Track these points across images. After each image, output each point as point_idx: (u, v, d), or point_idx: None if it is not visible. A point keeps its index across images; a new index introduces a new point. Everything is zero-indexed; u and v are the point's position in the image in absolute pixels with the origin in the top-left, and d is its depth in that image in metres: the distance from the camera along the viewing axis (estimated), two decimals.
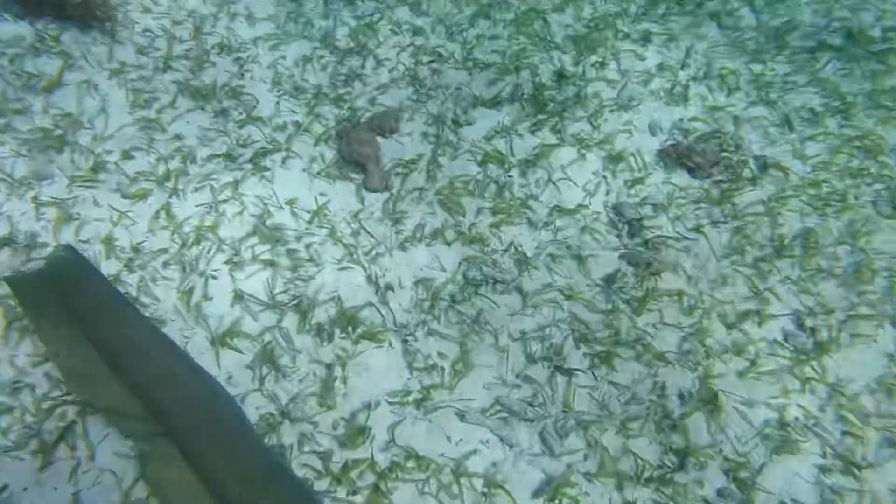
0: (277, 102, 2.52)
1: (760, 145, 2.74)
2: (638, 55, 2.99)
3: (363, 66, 2.71)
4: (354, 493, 1.72)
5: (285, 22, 2.82)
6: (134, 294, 1.94)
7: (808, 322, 2.26)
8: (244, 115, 2.44)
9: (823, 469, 2.00)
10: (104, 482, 1.63)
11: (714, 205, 2.49)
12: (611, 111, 2.71)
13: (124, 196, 2.16)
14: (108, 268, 1.98)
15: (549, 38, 3.00)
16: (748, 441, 2.01)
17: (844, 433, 2.09)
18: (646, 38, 3.06)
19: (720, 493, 1.89)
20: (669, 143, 2.66)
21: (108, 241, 2.03)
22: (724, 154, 2.64)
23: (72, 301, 1.80)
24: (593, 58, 2.93)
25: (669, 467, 1.91)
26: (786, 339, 2.23)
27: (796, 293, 2.33)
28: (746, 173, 2.60)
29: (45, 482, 1.61)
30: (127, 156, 2.25)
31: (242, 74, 2.57)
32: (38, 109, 2.28)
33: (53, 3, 2.40)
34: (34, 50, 2.41)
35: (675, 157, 2.57)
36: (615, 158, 2.56)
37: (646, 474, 1.88)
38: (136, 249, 2.04)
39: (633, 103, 2.77)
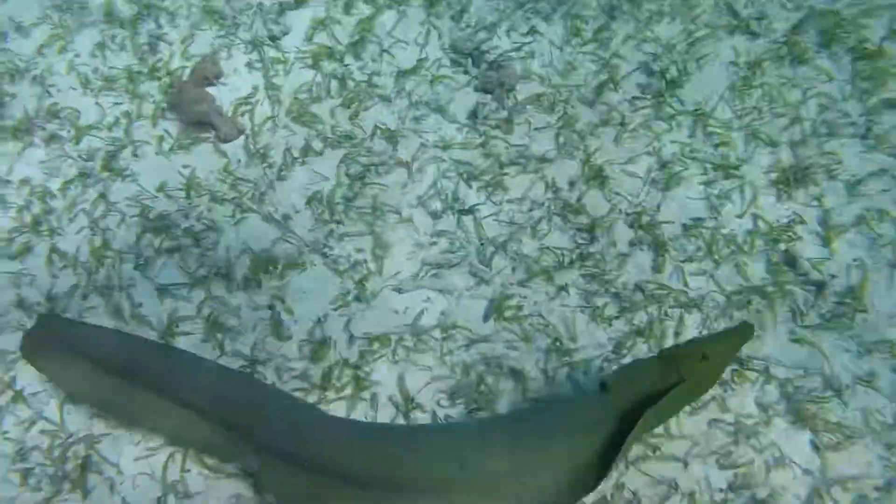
0: (97, 102, 2.37)
1: None
2: None
3: (159, 26, 2.51)
4: (341, 390, 1.95)
5: (60, 18, 2.55)
6: None
7: (656, 66, 2.37)
8: (74, 131, 2.32)
9: (708, 183, 2.23)
10: (141, 484, 1.83)
11: (538, 0, 2.47)
12: None
13: (10, 258, 2.13)
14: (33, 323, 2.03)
15: None
16: (640, 192, 2.22)
17: (716, 146, 2.30)
18: None
19: (632, 242, 2.13)
20: None
21: (21, 303, 2.06)
22: None
23: (74, 344, 1.86)
24: None
25: (584, 243, 2.13)
26: (643, 92, 2.36)
27: (638, 46, 2.41)
28: None
29: None
30: None
31: (48, 91, 2.39)
32: None
33: None
34: None
35: None
36: (433, 0, 2.48)
37: (567, 259, 2.10)
38: (50, 298, 2.07)
39: None
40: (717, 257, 2.10)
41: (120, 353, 1.81)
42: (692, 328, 2.01)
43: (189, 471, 1.84)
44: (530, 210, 2.18)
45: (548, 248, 2.12)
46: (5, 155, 2.29)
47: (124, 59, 2.47)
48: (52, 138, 2.32)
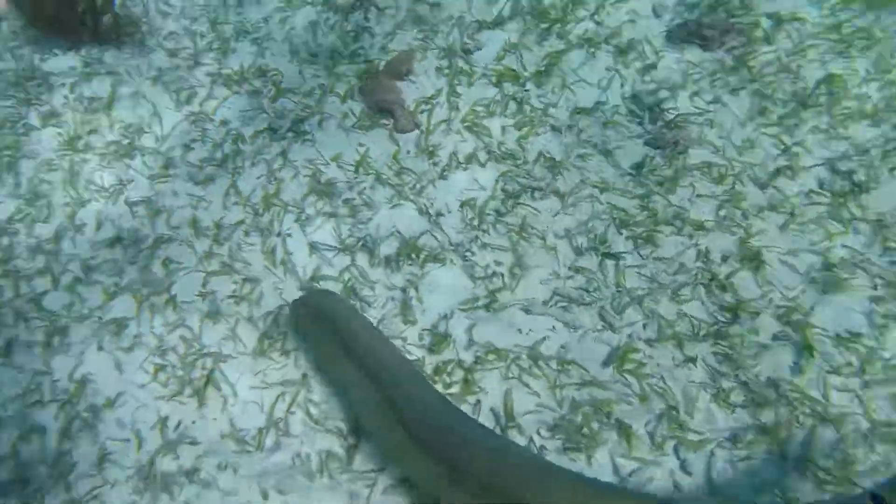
0: (300, 71, 2.72)
1: (771, 1, 2.71)
2: None
3: (367, 19, 2.85)
4: (449, 386, 2.03)
5: None
6: (228, 262, 2.28)
7: (843, 166, 2.33)
8: (274, 91, 2.67)
9: (876, 299, 2.13)
10: (249, 410, 2.01)
11: (730, 73, 2.54)
12: (612, 4, 2.75)
13: (196, 183, 2.46)
14: (201, 245, 2.32)
15: None
16: (796, 287, 2.17)
17: (894, 263, 2.20)
18: None
19: (776, 336, 2.08)
20: (676, 22, 2.69)
21: (194, 223, 2.36)
22: (734, 20, 2.65)
23: (332, 323, 1.97)
24: None
25: (724, 322, 2.10)
26: (821, 187, 2.33)
27: (826, 141, 2.39)
28: (759, 34, 2.61)
29: (206, 416, 2.01)
30: (188, 148, 2.54)
31: (263, 53, 2.78)
32: (106, 126, 2.61)
33: (90, 31, 2.67)
34: (86, 75, 2.71)
35: (684, 34, 2.61)
36: (624, 50, 2.62)
37: (702, 332, 2.08)
38: (218, 226, 2.36)
39: None
40: (869, 380, 1.99)
41: (371, 353, 1.87)
42: (825, 444, 1.91)
43: (294, 413, 2.01)
44: (675, 273, 2.20)
45: (685, 315, 2.12)
46: (214, 98, 2.68)
47: (331, 39, 2.82)
48: (254, 92, 2.68)
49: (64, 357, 2.16)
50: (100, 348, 2.17)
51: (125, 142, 2.58)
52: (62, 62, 2.81)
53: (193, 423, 2.03)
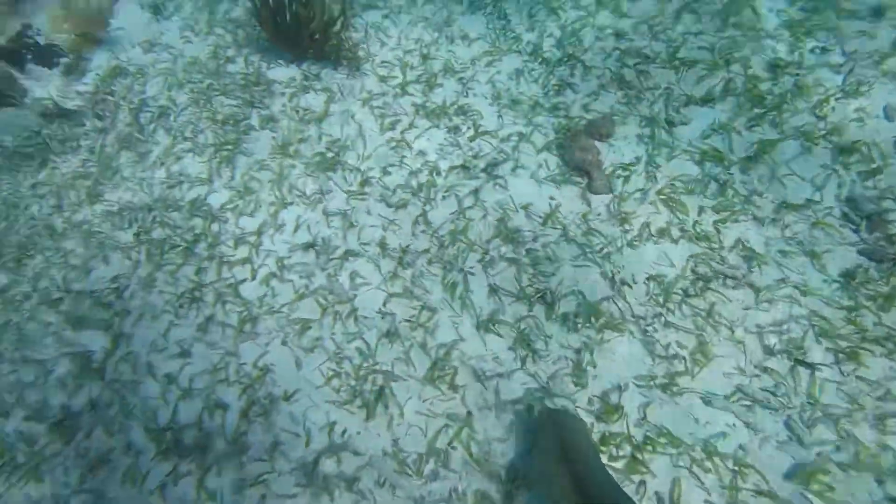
0: (500, 116, 3.02)
1: None
2: (868, 34, 3.00)
3: (572, 75, 3.11)
4: (614, 459, 2.13)
5: (496, 39, 3.32)
6: (409, 287, 2.54)
7: None
8: (473, 131, 2.97)
9: None
10: (413, 434, 2.23)
11: None
12: (837, 99, 2.81)
13: (389, 205, 2.79)
14: (386, 266, 2.61)
15: (759, 27, 3.14)
16: None
17: None
18: (877, 13, 3.06)
19: None
20: None
21: (383, 244, 2.67)
22: None
23: (566, 445, 2.09)
24: (811, 43, 3.02)
25: None
26: None
27: None
28: None
29: (370, 429, 2.26)
30: (385, 172, 2.89)
31: (466, 93, 3.12)
32: (314, 137, 3.02)
33: (315, 48, 3.14)
34: (304, 88, 3.18)
35: None
36: (846, 150, 2.66)
37: None
38: (405, 251, 2.65)
39: (862, 88, 2.83)
40: None
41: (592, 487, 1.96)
42: None
43: (455, 448, 2.19)
44: (881, 399, 2.18)
45: (890, 448, 2.09)
46: (415, 128, 3.04)
47: (534, 89, 3.11)
48: (454, 128, 3.01)
49: (251, 344, 2.50)
50: (283, 343, 2.50)
51: (330, 155, 2.98)
52: (285, 73, 3.31)
53: (359, 433, 2.28)
